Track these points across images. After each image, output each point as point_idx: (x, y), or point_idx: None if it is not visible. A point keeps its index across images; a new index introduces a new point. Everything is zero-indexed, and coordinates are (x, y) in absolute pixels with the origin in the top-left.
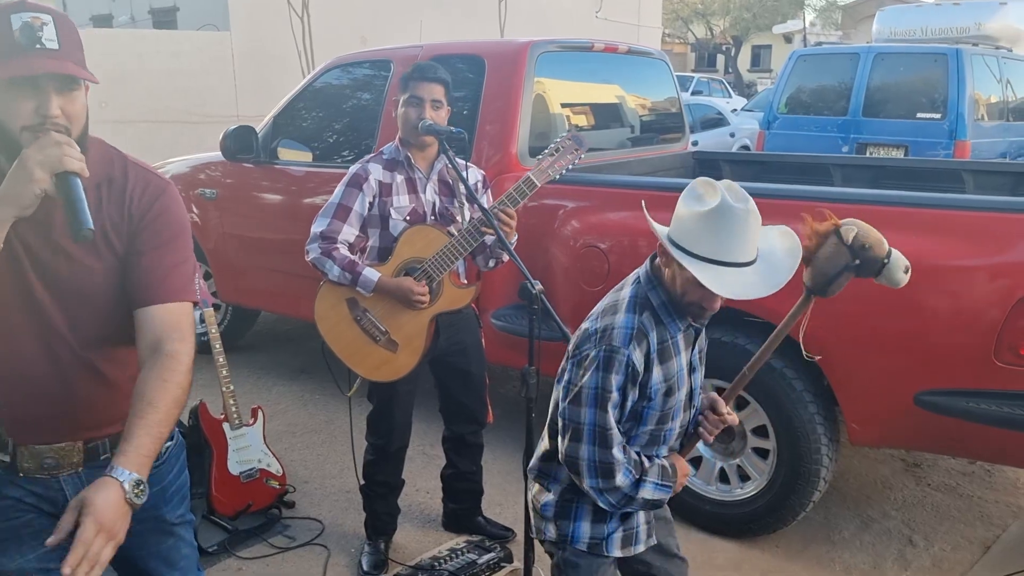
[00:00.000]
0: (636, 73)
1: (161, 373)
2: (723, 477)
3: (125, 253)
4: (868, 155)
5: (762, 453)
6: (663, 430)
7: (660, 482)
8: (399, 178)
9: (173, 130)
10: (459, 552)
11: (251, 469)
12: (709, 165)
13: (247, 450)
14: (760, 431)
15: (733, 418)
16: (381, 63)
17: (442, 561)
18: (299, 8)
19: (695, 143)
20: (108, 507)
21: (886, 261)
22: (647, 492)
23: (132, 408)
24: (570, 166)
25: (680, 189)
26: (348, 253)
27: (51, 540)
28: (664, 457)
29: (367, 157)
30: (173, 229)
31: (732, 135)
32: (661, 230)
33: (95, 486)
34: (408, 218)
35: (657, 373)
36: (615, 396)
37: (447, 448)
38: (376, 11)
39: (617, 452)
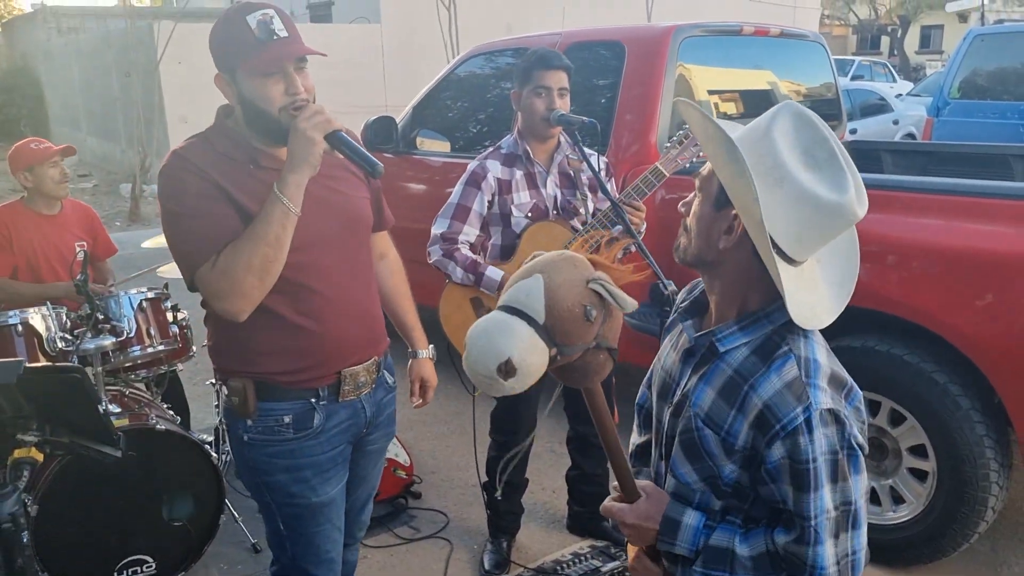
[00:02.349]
0: (789, 57)
1: (399, 272)
2: (874, 497)
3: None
4: None
5: (919, 475)
6: None
7: None
8: (518, 174)
9: None
10: (583, 557)
11: None
12: (867, 156)
13: None
14: (918, 451)
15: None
16: (519, 52)
17: (565, 566)
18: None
19: (853, 131)
20: (432, 373)
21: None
22: None
23: (396, 305)
24: (701, 154)
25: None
26: (470, 253)
27: (416, 400)
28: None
29: (484, 153)
30: None
31: (896, 122)
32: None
33: (418, 368)
34: (530, 215)
35: None
36: None
37: (571, 449)
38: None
39: None
